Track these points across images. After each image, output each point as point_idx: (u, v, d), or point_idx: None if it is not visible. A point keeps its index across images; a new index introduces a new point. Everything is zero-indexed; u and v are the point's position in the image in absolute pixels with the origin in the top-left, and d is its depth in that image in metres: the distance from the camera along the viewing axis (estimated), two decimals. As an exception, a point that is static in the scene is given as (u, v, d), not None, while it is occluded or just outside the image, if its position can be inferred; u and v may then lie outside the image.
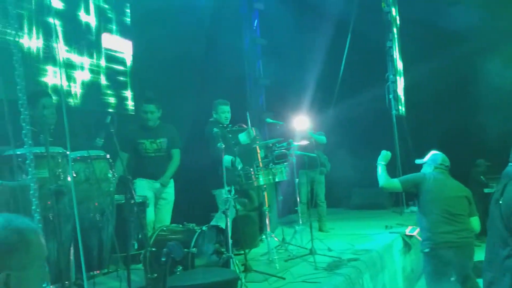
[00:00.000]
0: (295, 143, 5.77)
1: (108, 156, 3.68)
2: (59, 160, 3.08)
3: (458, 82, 9.97)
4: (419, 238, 6.62)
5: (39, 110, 3.70)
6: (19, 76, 2.09)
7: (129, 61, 6.59)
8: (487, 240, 3.45)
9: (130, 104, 6.57)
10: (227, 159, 5.11)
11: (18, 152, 2.57)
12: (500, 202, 3.41)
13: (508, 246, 3.18)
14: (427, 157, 4.74)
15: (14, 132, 2.39)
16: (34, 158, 2.37)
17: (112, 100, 6.26)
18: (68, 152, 2.80)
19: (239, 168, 4.94)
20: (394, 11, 9.98)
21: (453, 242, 4.30)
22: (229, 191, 4.52)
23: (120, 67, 6.44)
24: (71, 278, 3.11)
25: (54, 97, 4.23)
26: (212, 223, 4.80)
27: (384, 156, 4.81)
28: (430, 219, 4.42)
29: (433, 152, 4.76)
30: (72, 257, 3.16)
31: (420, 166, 4.81)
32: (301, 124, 6.44)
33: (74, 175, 3.23)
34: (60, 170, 3.06)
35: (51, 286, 2.66)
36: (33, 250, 1.38)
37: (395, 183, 4.66)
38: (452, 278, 4.22)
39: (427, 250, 4.43)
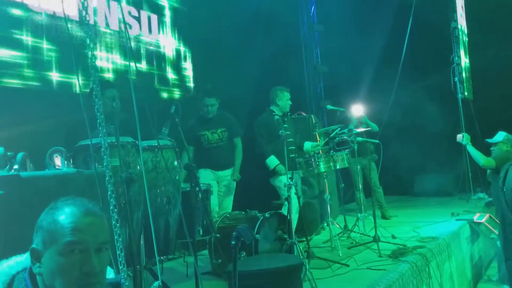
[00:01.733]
0: (357, 130, 5.69)
1: (174, 145, 3.76)
2: (129, 149, 3.21)
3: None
4: (489, 225, 6.40)
5: (106, 100, 3.82)
6: (93, 68, 2.18)
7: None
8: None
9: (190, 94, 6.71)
10: (272, 160, 5.13)
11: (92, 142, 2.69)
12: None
13: None
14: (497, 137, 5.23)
15: (80, 123, 2.45)
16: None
17: (175, 92, 6.42)
18: (137, 142, 2.91)
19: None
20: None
21: None
22: (291, 178, 4.51)
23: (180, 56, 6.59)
24: (141, 262, 3.24)
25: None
26: (283, 210, 4.84)
27: (467, 137, 5.33)
28: None
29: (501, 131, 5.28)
30: (142, 242, 3.29)
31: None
32: (357, 111, 6.42)
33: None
34: (130, 159, 3.18)
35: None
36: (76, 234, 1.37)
37: (492, 161, 5.11)
38: None
39: None
